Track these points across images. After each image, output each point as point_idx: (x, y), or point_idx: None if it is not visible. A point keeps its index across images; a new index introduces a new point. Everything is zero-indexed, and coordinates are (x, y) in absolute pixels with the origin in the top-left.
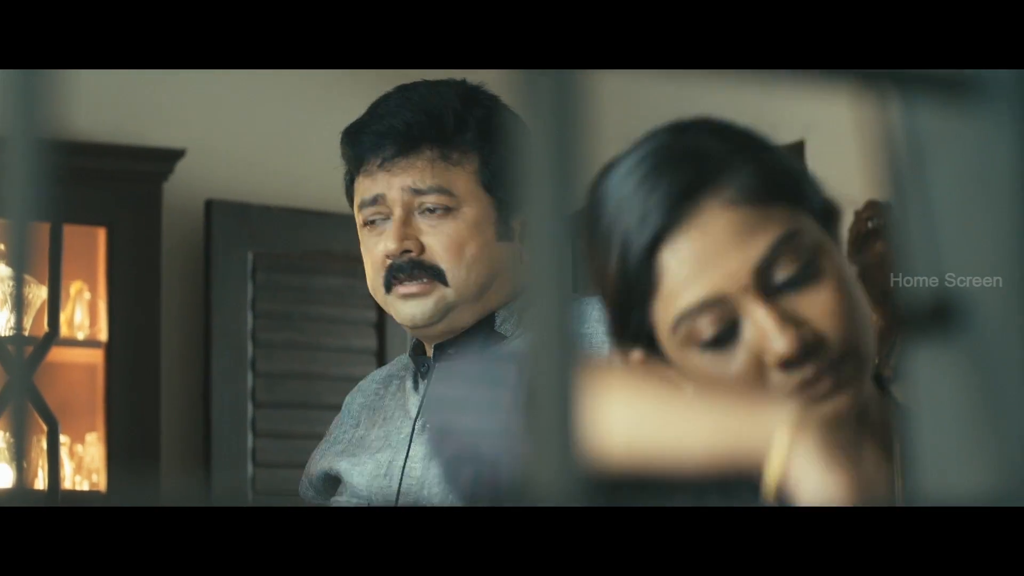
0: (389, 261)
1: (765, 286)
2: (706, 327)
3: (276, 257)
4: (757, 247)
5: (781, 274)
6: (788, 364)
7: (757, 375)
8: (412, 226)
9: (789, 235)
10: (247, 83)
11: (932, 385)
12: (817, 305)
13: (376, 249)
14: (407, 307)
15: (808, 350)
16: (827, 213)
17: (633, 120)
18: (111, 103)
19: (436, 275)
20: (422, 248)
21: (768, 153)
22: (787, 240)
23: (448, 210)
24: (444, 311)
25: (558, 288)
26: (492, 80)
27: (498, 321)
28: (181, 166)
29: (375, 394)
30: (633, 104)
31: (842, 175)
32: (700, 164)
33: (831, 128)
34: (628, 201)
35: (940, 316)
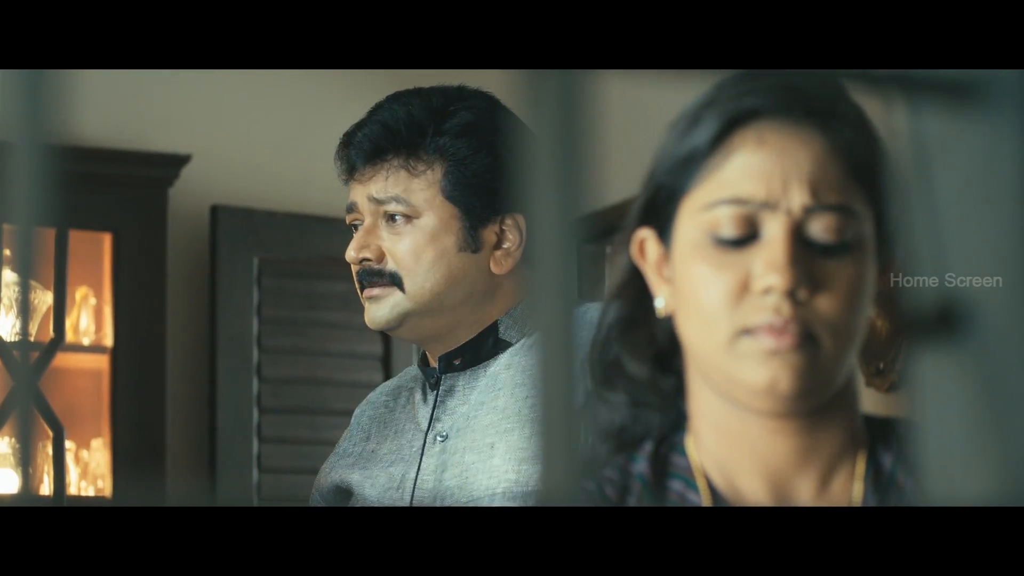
0: (356, 267)
1: (803, 226)
2: (730, 225)
3: (282, 263)
4: (822, 195)
5: (822, 231)
6: (769, 293)
7: (740, 293)
8: (375, 234)
9: (849, 210)
10: (253, 88)
11: (937, 388)
12: (832, 277)
13: (346, 253)
14: (370, 309)
15: (794, 301)
16: (887, 243)
17: (639, 122)
18: (117, 108)
19: (393, 280)
20: (382, 255)
21: (877, 148)
22: (845, 212)
23: (408, 219)
24: (401, 316)
25: (564, 292)
26: (497, 81)
27: (501, 329)
28: (187, 171)
29: (384, 406)
30: (639, 105)
31: None
32: (836, 101)
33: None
34: (763, 78)
35: (945, 319)
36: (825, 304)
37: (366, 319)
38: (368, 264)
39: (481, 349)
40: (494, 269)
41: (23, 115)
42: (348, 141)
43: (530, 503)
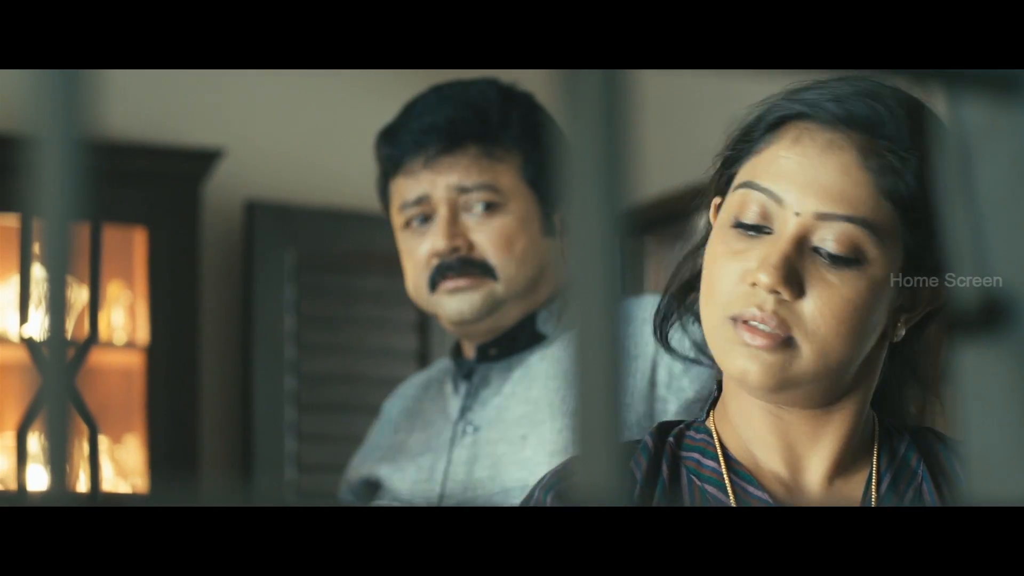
0: (436, 261)
1: (811, 231)
2: (751, 210)
3: (317, 258)
4: (839, 205)
5: (828, 240)
6: (756, 287)
7: (739, 282)
8: (459, 224)
9: (866, 223)
10: (287, 83)
11: (981, 385)
12: (829, 288)
13: (420, 249)
14: (454, 301)
15: (777, 300)
16: (918, 273)
17: (676, 119)
18: (150, 103)
19: (486, 271)
20: (471, 245)
21: (922, 174)
22: (861, 223)
23: (495, 206)
24: (492, 306)
25: (604, 289)
26: (533, 80)
27: (539, 321)
28: (221, 166)
29: (414, 399)
30: (678, 103)
31: None
32: (887, 121)
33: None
34: (824, 85)
35: (988, 316)
36: (812, 310)
37: (447, 311)
38: (457, 255)
39: (518, 340)
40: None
41: (56, 110)
42: (411, 129)
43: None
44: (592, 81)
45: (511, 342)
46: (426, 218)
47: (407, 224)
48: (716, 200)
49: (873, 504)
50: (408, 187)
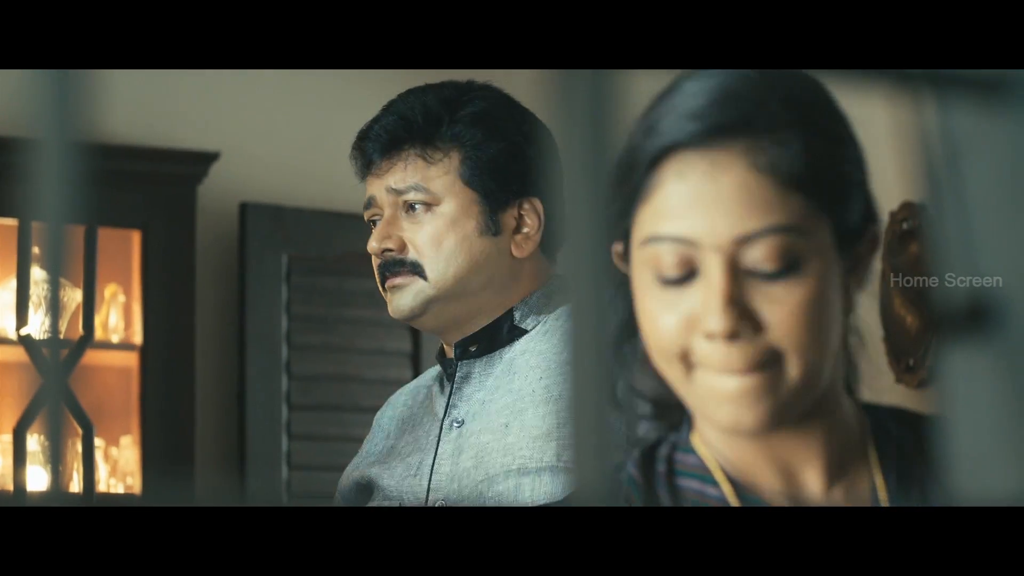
0: (377, 260)
1: (737, 258)
2: (669, 263)
3: (311, 260)
4: (752, 221)
5: (760, 260)
6: (712, 339)
7: (686, 334)
8: (396, 225)
9: (787, 227)
10: (281, 85)
11: (968, 386)
12: (782, 304)
13: (368, 245)
14: (394, 299)
15: (740, 339)
16: (853, 237)
17: None
18: (145, 106)
19: (415, 269)
20: (403, 245)
21: (835, 148)
22: (782, 231)
23: (428, 207)
24: (424, 303)
25: (595, 287)
26: (525, 81)
27: (517, 316)
28: (215, 169)
29: (404, 406)
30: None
31: (876, 175)
32: (755, 114)
33: (866, 128)
34: (674, 102)
35: (976, 317)
36: (782, 328)
37: (390, 309)
38: (390, 255)
39: (497, 335)
40: (515, 252)
41: (52, 112)
42: (364, 135)
43: (544, 478)
44: (582, 82)
45: (491, 339)
46: (376, 221)
47: (370, 223)
48: (618, 248)
49: (880, 496)
50: (366, 191)
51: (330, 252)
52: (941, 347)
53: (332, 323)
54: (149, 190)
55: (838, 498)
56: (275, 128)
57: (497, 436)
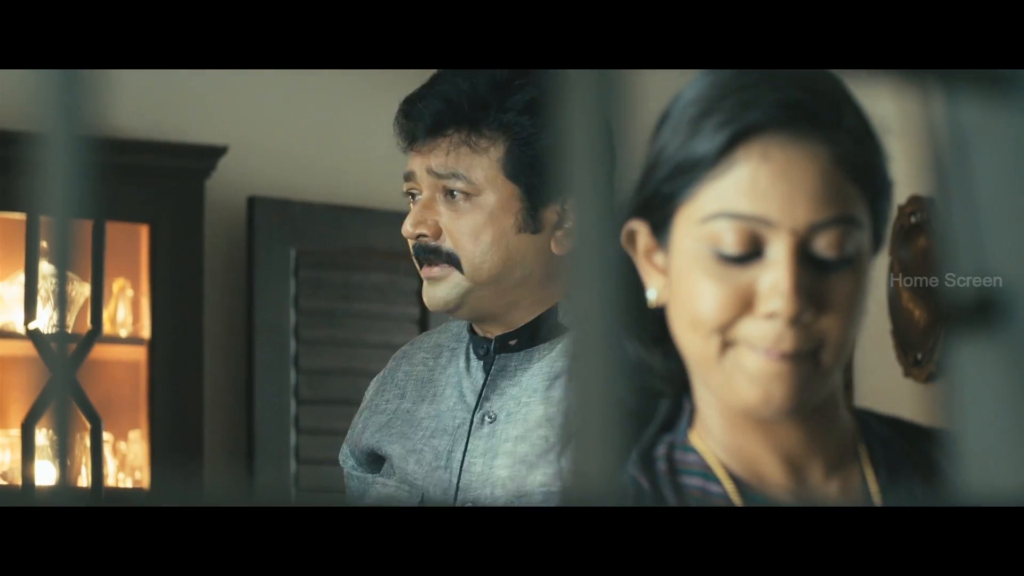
0: (411, 242)
1: (807, 244)
2: (732, 240)
3: (318, 254)
4: (826, 209)
5: (825, 247)
6: (772, 319)
7: (736, 310)
8: (433, 209)
9: (853, 219)
10: (289, 80)
11: (976, 381)
12: (835, 293)
13: (403, 227)
14: (429, 290)
15: (799, 323)
16: (879, 236)
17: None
18: (153, 100)
19: (451, 260)
20: (439, 232)
21: (876, 146)
22: (849, 222)
23: (468, 196)
24: (461, 297)
25: (603, 287)
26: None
27: (560, 313)
28: (223, 163)
29: (423, 364)
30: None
31: None
32: (840, 107)
33: (875, 123)
34: (751, 88)
35: (984, 311)
36: (828, 322)
37: (425, 300)
38: (425, 240)
39: (538, 331)
40: (555, 250)
41: (59, 107)
42: (408, 112)
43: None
44: (588, 81)
45: (531, 335)
46: (415, 195)
47: (407, 195)
48: (633, 226)
49: (871, 489)
50: (408, 162)
51: (338, 246)
52: (949, 342)
53: (340, 317)
54: (157, 184)
55: (834, 490)
56: (283, 122)
57: (536, 450)
